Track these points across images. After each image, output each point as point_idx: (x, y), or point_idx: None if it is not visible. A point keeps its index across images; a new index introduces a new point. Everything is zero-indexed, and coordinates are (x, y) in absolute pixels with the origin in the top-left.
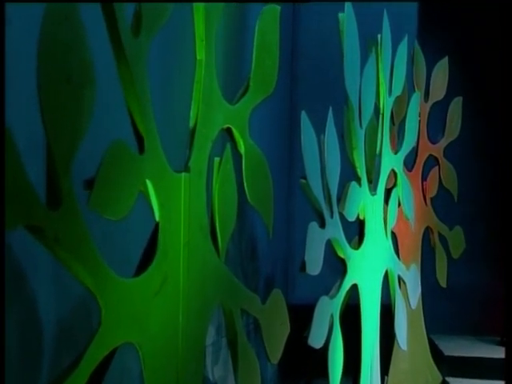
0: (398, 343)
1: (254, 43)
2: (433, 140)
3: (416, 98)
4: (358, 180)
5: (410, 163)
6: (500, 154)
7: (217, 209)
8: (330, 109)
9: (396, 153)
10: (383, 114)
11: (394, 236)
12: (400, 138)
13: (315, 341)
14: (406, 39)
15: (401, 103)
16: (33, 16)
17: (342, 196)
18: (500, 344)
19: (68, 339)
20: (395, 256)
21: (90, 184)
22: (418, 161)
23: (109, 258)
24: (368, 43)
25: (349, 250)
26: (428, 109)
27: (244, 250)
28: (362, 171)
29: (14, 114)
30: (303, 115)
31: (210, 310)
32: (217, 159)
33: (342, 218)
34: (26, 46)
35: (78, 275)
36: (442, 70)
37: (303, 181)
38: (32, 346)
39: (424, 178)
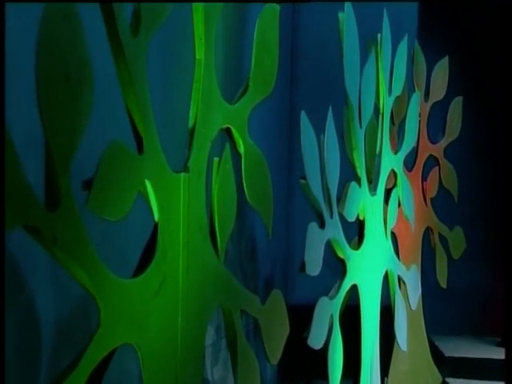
0: (397, 344)
1: (254, 43)
2: (433, 140)
3: (416, 97)
4: (358, 180)
5: (410, 163)
6: (500, 153)
7: (216, 209)
8: (330, 109)
9: (396, 153)
10: (383, 114)
11: (394, 236)
12: (400, 138)
13: (315, 341)
14: (405, 39)
15: (401, 103)
16: (31, 15)
17: (341, 196)
18: (500, 345)
19: (67, 340)
20: (395, 256)
21: (88, 184)
22: (418, 161)
23: (107, 259)
24: (368, 43)
25: (348, 250)
26: (428, 109)
27: (243, 250)
28: (361, 171)
29: (12, 113)
30: (303, 115)
31: (209, 310)
32: (216, 159)
33: (342, 218)
34: (24, 45)
35: (76, 276)
36: (442, 69)
37: (303, 181)
38: (31, 347)
39: (424, 179)
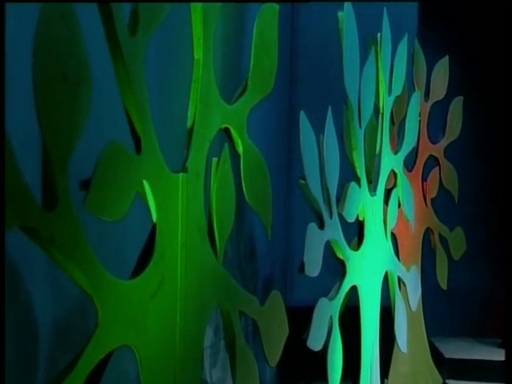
0: (397, 345)
1: (253, 42)
2: (433, 140)
3: (416, 97)
4: (358, 180)
5: (410, 163)
6: (500, 153)
7: (215, 209)
8: (330, 109)
9: (396, 153)
10: (383, 114)
11: (393, 237)
12: (400, 138)
13: (314, 343)
14: (406, 38)
15: (401, 103)
16: (29, 15)
17: (341, 197)
18: (500, 346)
19: (64, 341)
20: (395, 257)
21: (85, 184)
22: (418, 161)
23: (105, 260)
24: (368, 42)
25: (348, 251)
26: (428, 108)
27: (242, 250)
28: (361, 171)
29: (9, 113)
30: (302, 115)
31: (207, 311)
32: (215, 159)
33: (342, 218)
34: (21, 44)
35: (73, 277)
36: (442, 69)
37: (302, 181)
38: (28, 348)
39: (424, 179)
